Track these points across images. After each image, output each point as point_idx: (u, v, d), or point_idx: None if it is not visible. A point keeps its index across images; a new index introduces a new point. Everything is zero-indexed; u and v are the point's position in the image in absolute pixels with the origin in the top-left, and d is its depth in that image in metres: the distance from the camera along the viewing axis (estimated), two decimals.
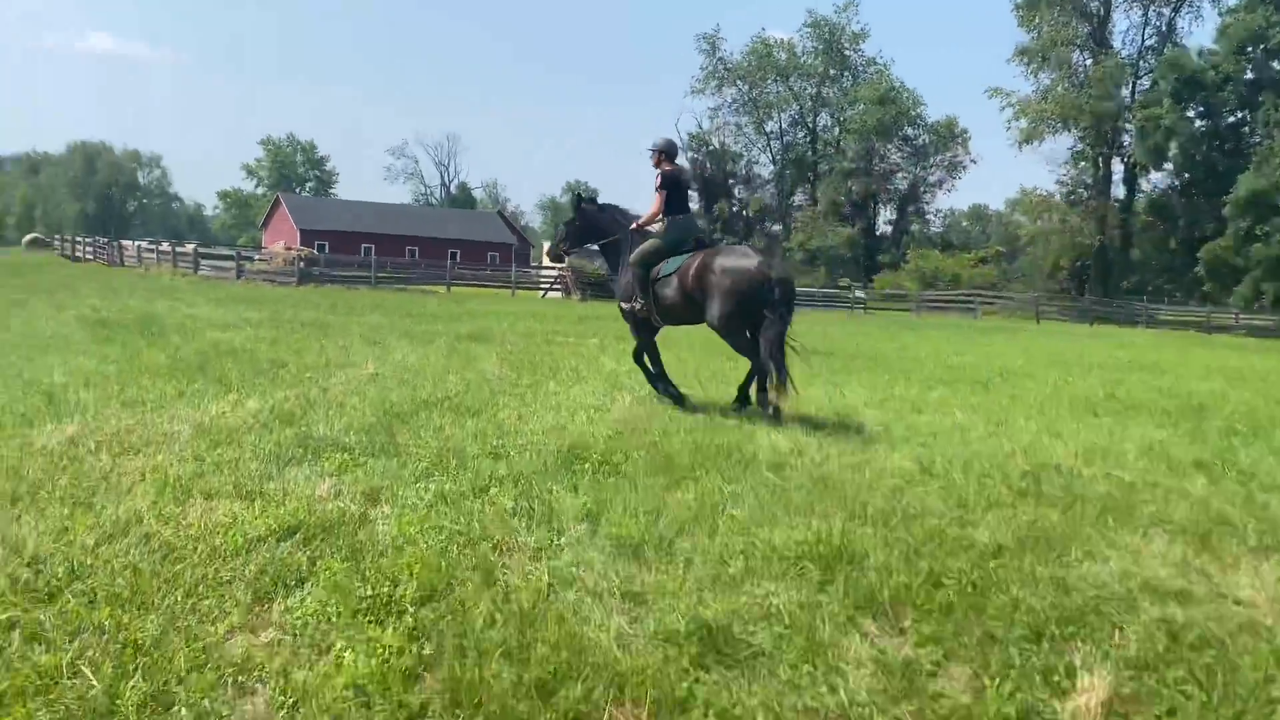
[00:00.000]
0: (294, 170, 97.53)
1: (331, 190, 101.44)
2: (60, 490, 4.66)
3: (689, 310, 8.11)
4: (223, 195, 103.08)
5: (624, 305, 8.60)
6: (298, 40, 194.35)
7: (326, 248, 56.81)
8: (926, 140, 69.55)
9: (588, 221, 9.01)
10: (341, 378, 9.09)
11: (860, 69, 72.11)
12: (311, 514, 4.45)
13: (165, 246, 41.73)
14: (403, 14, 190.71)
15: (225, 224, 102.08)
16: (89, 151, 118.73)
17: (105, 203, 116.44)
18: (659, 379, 8.63)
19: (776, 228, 71.55)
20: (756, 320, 7.67)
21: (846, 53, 71.65)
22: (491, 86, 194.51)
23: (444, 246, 68.23)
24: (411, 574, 3.77)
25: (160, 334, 12.59)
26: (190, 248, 40.91)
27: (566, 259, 11.12)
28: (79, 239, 50.68)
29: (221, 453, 5.67)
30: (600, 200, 9.28)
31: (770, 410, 7.65)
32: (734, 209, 71.17)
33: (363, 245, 64.35)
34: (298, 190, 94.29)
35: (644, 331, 8.60)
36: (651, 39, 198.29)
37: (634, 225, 8.67)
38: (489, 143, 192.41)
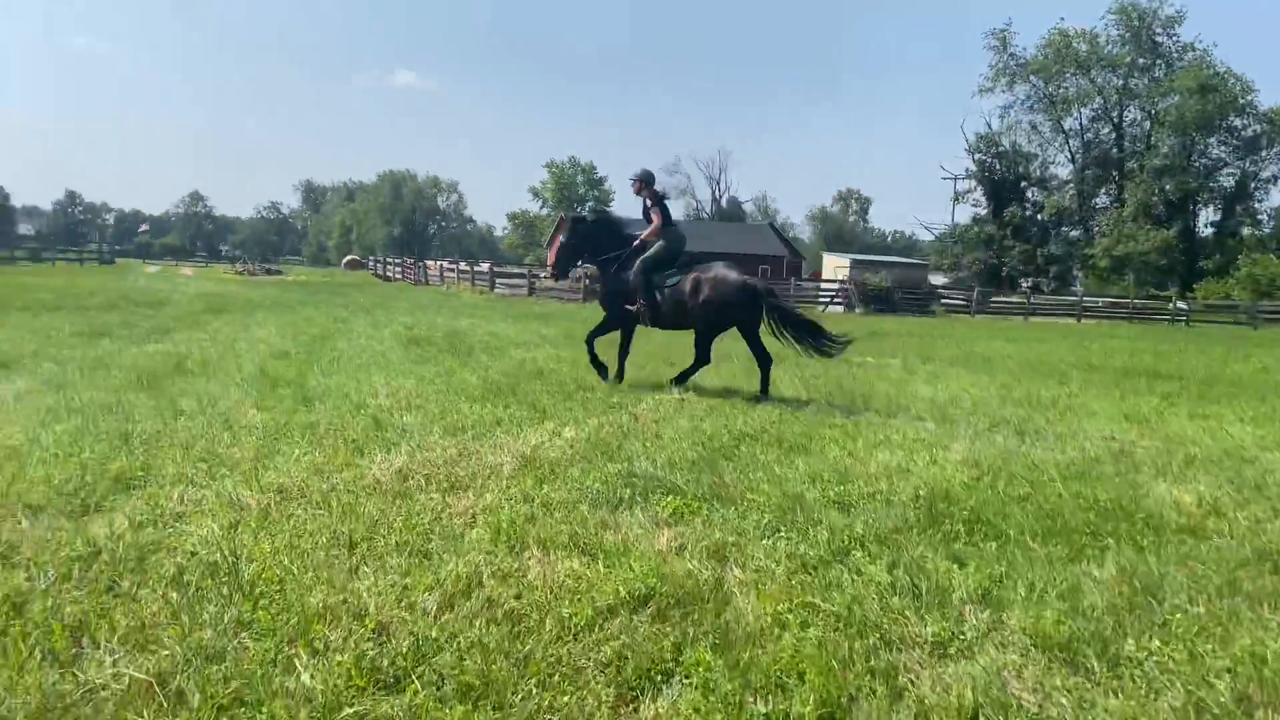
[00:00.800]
0: (575, 191, 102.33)
1: (608, 209, 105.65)
2: (396, 535, 4.38)
3: (683, 318, 9.66)
4: (511, 217, 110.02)
5: (628, 306, 9.85)
6: (579, 75, 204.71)
7: None
8: (1258, 130, 61.21)
9: (590, 236, 10.18)
10: (650, 403, 8.65)
11: (1175, 56, 64.81)
12: (661, 578, 3.85)
13: (465, 266, 44.64)
14: (664, 39, 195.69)
15: (514, 244, 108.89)
16: (396, 179, 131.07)
17: (410, 226, 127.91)
18: (624, 361, 10.10)
19: (1075, 233, 65.73)
20: (747, 324, 9.57)
21: (1158, 39, 64.69)
22: (760, 100, 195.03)
23: (716, 260, 68.48)
24: (801, 678, 3.04)
25: (468, 353, 12.90)
26: (486, 267, 43.50)
27: (574, 272, 12.17)
28: (389, 259, 55.57)
29: (549, 491, 5.27)
30: (593, 212, 10.08)
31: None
32: (1026, 213, 66.23)
33: None
34: (577, 209, 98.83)
35: (621, 328, 10.16)
36: (915, 39, 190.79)
37: (639, 239, 9.90)
38: (757, 156, 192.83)
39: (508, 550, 4.24)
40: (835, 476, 5.89)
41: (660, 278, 9.68)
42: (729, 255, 63.63)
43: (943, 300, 37.73)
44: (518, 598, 3.67)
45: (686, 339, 10.15)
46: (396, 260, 55.00)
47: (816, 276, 61.26)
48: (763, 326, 9.60)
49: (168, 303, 22.51)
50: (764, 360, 9.62)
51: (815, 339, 9.53)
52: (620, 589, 3.72)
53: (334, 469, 5.65)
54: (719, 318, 9.51)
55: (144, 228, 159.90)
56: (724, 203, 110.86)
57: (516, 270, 45.31)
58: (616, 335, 10.39)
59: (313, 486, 5.23)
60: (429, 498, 5.07)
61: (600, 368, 10.07)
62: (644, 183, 10.04)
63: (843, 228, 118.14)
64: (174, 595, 3.56)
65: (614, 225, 10.40)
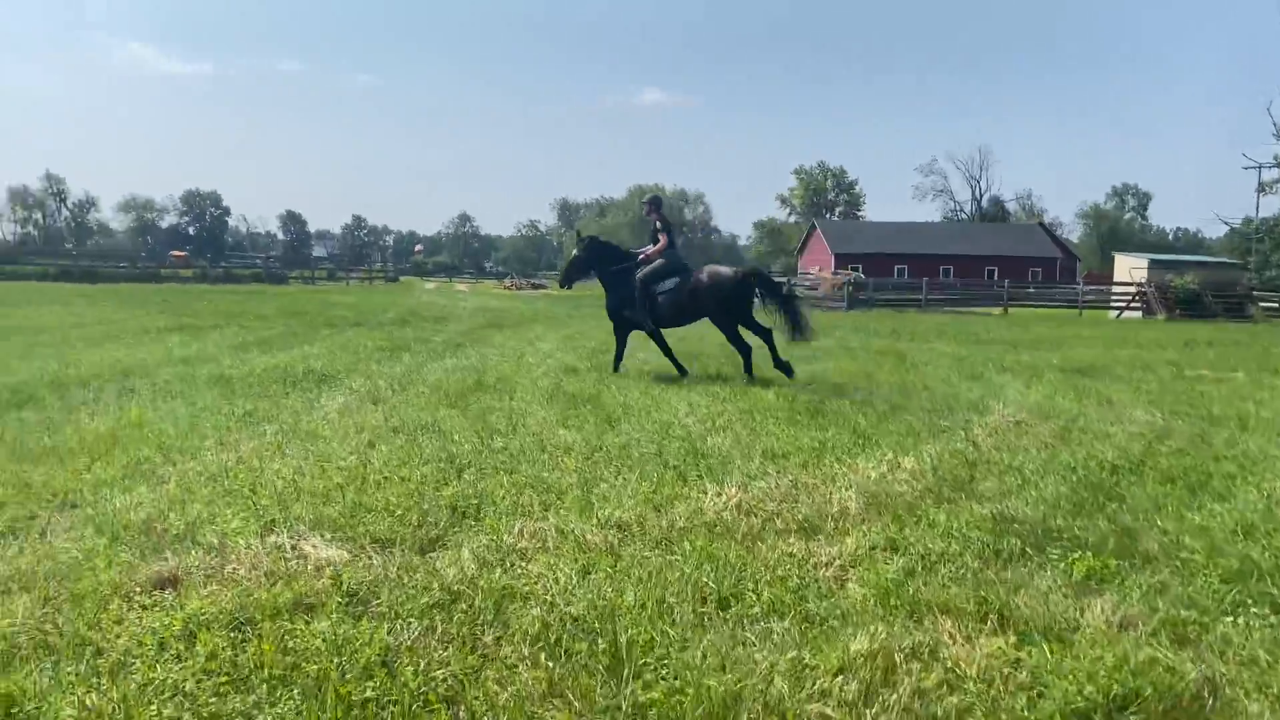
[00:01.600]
0: (824, 196, 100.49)
1: (859, 213, 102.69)
2: (765, 590, 3.78)
3: (681, 317, 11.19)
4: (758, 225, 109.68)
5: (626, 313, 11.22)
6: (822, 76, 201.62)
7: (860, 270, 56.80)
8: None
9: (595, 255, 11.56)
10: (982, 429, 7.66)
11: None
12: (1128, 672, 3.00)
13: None
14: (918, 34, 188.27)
15: (760, 252, 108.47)
16: (644, 194, 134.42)
17: (637, 235, 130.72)
18: (619, 359, 11.41)
19: None
20: (743, 313, 11.00)
21: None
22: (1022, 92, 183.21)
23: (980, 264, 64.62)
24: None
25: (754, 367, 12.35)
26: None
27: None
28: None
29: (916, 539, 4.51)
30: (596, 239, 12.11)
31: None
32: None
33: (895, 266, 63.49)
34: (828, 215, 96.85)
35: (622, 334, 11.48)
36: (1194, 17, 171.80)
37: (643, 255, 11.25)
38: (1021, 152, 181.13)
39: (906, 617, 3.53)
40: (1266, 524, 4.74)
41: (655, 288, 11.01)
42: (994, 258, 59.29)
43: (1262, 304, 33.08)
44: (947, 688, 2.95)
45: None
46: None
47: (1094, 278, 56.22)
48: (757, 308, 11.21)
49: (451, 317, 23.70)
50: (747, 346, 11.01)
51: (799, 325, 10.87)
52: (1082, 686, 2.91)
53: (665, 501, 5.19)
54: (729, 305, 10.95)
55: (419, 247, 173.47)
56: (985, 202, 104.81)
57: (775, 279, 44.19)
58: (627, 342, 11.57)
59: (650, 522, 4.77)
60: (785, 543, 4.46)
61: (679, 369, 11.10)
62: (654, 207, 11.68)
63: (1118, 225, 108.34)
64: (546, 660, 3.13)
65: (614, 248, 12.03)
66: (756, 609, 3.60)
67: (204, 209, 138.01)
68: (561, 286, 12.65)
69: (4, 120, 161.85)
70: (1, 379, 9.62)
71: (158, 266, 44.00)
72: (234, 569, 3.91)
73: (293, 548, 4.19)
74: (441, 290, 49.26)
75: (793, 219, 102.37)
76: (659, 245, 11.13)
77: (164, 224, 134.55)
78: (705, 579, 3.87)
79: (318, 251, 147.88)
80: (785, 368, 10.72)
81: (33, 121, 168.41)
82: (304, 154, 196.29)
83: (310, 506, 4.90)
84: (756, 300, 11.09)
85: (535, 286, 59.20)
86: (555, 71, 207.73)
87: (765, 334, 10.96)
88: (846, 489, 5.47)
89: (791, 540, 4.50)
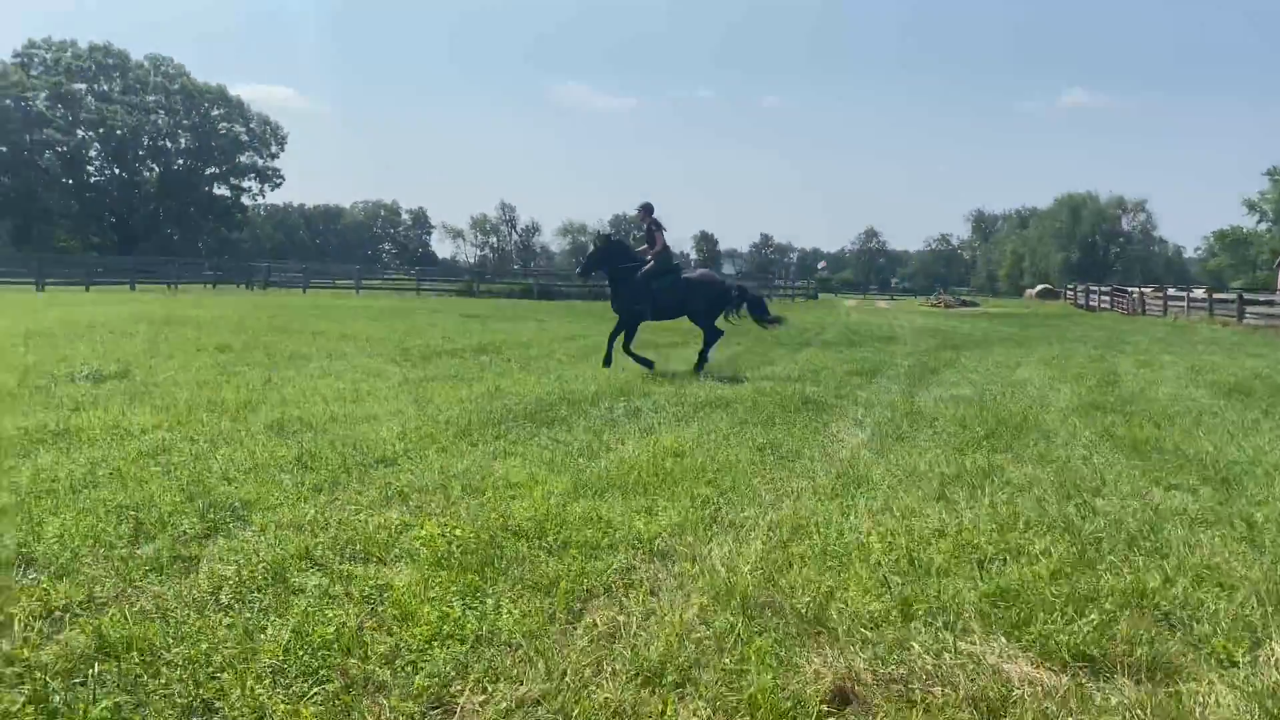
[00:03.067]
0: None
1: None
2: None
3: (677, 310, 13.02)
4: (1220, 236, 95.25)
5: (635, 307, 12.79)
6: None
7: None
8: None
9: (611, 252, 13.17)
10: None
11: None
12: None
13: (1199, 293, 38.54)
14: None
15: (1218, 266, 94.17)
16: (1075, 202, 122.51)
17: (1088, 250, 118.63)
18: (633, 354, 12.76)
19: None
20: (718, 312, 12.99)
21: None
22: None
23: None
24: None
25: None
26: (1233, 295, 36.86)
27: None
28: (1092, 287, 51.13)
29: None
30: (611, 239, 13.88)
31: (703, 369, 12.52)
32: None
33: None
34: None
35: (630, 324, 12.95)
36: None
37: (651, 255, 12.83)
38: None
39: None
40: None
41: (657, 284, 12.56)
42: None
43: None
44: None
45: None
46: (1102, 288, 50.28)
47: None
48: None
49: (895, 337, 22.42)
50: (714, 335, 12.95)
51: (766, 319, 13.52)
52: None
53: None
54: (712, 303, 12.85)
55: (822, 264, 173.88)
56: None
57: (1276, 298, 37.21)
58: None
59: None
60: None
61: (643, 361, 12.55)
62: (646, 212, 12.99)
63: None
64: None
65: (627, 247, 13.47)
66: None
67: (629, 231, 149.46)
68: (580, 276, 15.12)
69: (469, 156, 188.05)
70: (521, 391, 9.98)
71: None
72: (922, 686, 2.98)
73: (973, 658, 3.19)
74: (864, 307, 48.08)
75: (1262, 227, 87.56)
76: (658, 247, 12.80)
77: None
78: None
79: (726, 269, 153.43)
80: (701, 363, 12.80)
81: (490, 156, 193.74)
82: (716, 176, 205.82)
83: (937, 584, 3.92)
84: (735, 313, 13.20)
85: (965, 303, 55.68)
86: (965, 78, 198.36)
87: (716, 335, 13.03)
88: None
89: None
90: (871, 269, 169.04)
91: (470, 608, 3.53)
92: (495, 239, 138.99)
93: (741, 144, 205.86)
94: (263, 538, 4.45)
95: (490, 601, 3.65)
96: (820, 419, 8.78)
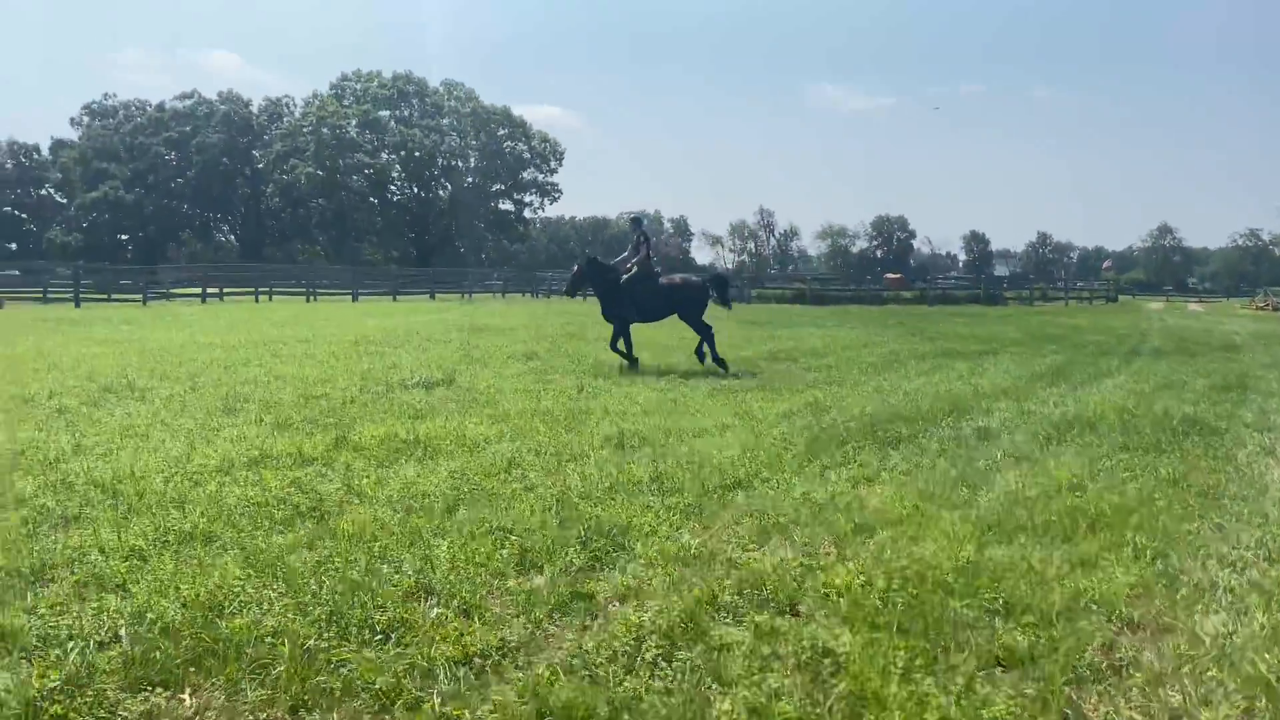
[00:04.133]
0: None
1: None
2: None
3: (659, 312, 14.00)
4: None
5: (621, 314, 13.68)
6: None
7: None
8: None
9: (593, 271, 14.04)
10: None
11: None
12: None
13: None
14: None
15: None
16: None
17: None
18: (623, 353, 13.45)
19: None
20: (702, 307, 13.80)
21: None
22: None
23: None
24: None
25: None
26: None
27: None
28: None
29: None
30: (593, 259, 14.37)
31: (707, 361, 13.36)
32: None
33: None
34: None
35: (623, 327, 13.60)
36: None
37: (631, 264, 13.96)
38: None
39: None
40: None
41: (639, 289, 13.73)
42: None
43: None
44: None
45: None
46: None
47: None
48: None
49: (1236, 346, 19.63)
50: (708, 332, 13.61)
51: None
52: None
53: None
54: (691, 304, 13.83)
55: (1107, 264, 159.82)
56: None
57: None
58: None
59: None
60: None
61: (629, 358, 13.36)
62: (636, 225, 14.94)
63: None
64: None
65: (604, 264, 14.28)
66: None
67: (891, 233, 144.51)
68: (567, 295, 15.71)
69: (728, 163, 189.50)
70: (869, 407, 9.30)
71: (879, 289, 46.09)
72: None
73: None
74: (1173, 310, 43.22)
75: None
76: (641, 255, 13.87)
77: (855, 249, 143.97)
78: None
79: (999, 270, 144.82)
80: (702, 357, 13.60)
81: (748, 163, 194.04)
82: (985, 174, 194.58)
83: None
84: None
85: None
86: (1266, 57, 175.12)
87: (707, 333, 13.55)
88: None
89: None
90: (1165, 268, 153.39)
91: (949, 693, 2.88)
92: (754, 244, 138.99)
93: (1010, 138, 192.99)
94: (654, 573, 4.05)
95: (959, 681, 2.98)
96: (1219, 445, 7.44)
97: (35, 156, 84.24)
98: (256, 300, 37.81)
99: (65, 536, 4.50)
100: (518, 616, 3.56)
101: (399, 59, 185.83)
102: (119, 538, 4.38)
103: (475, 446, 7.01)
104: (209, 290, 37.89)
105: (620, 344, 13.57)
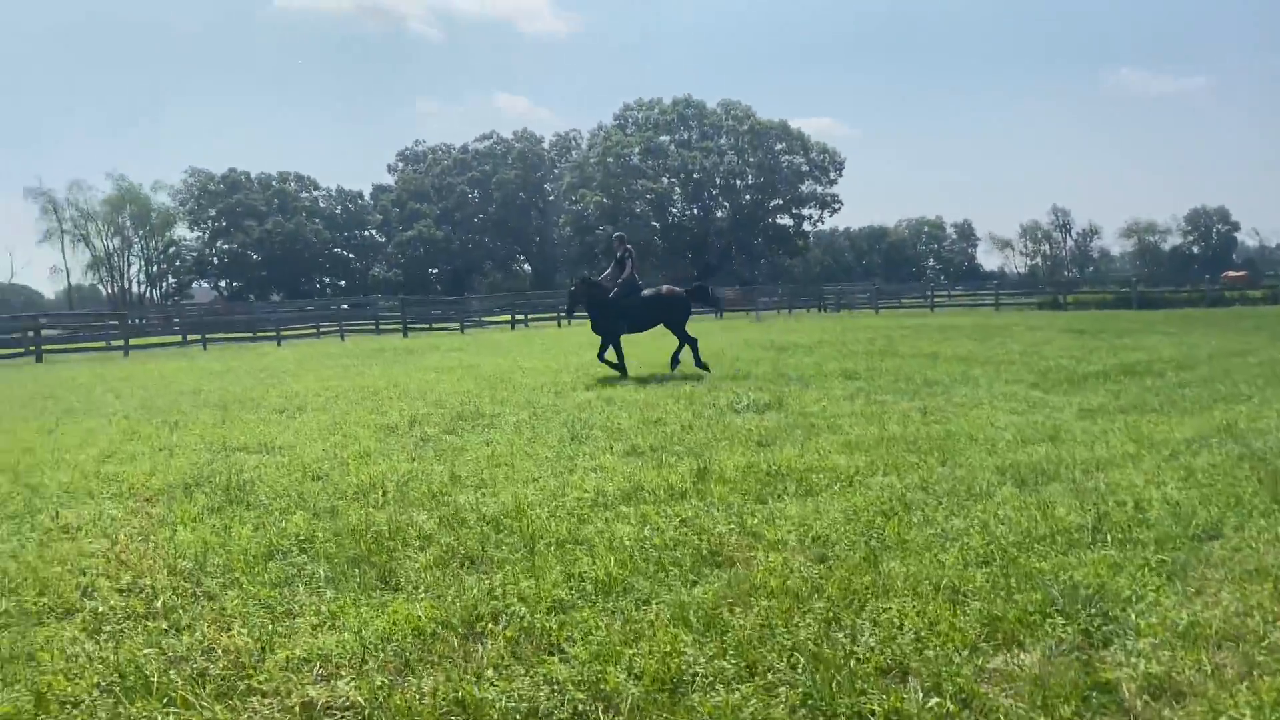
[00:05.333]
0: None
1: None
2: None
3: (645, 323, 15.03)
4: None
5: (611, 327, 14.62)
6: None
7: None
8: None
9: (586, 289, 14.97)
10: None
11: None
12: None
13: None
14: None
15: None
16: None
17: None
18: (613, 363, 14.55)
19: None
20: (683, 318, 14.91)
21: None
22: None
23: None
24: None
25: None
26: None
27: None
28: None
29: None
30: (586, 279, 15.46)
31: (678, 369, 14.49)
32: None
33: None
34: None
35: (610, 339, 14.65)
36: None
37: (619, 281, 14.84)
38: None
39: None
40: None
41: (625, 303, 14.65)
42: None
43: None
44: None
45: None
46: None
47: None
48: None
49: None
50: (692, 341, 14.70)
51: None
52: None
53: None
54: (675, 312, 14.93)
55: None
56: None
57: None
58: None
59: None
60: None
61: (619, 368, 14.40)
62: (621, 241, 15.65)
63: None
64: None
65: (598, 284, 15.03)
66: None
67: (1209, 226, 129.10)
68: (567, 315, 18.83)
69: (1015, 163, 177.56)
70: None
71: (1218, 289, 40.74)
72: None
73: None
74: None
75: None
76: (628, 271, 14.89)
77: (1166, 245, 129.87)
78: None
79: None
80: (676, 362, 14.76)
81: (1038, 160, 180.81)
82: None
83: None
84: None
85: None
86: None
87: (691, 341, 14.71)
88: None
89: None
90: None
91: None
92: (1048, 246, 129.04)
93: None
94: (1175, 655, 3.20)
95: None
96: None
97: (359, 201, 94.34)
98: (558, 325, 39.61)
99: (478, 580, 4.35)
100: (1034, 712, 2.86)
101: (678, 84, 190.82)
102: (536, 585, 4.15)
103: (848, 480, 6.39)
104: (516, 317, 40.29)
105: (609, 354, 14.74)
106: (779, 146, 76.30)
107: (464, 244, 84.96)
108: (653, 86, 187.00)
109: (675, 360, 14.70)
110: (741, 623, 3.61)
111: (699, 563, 4.46)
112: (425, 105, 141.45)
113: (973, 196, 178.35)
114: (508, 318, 40.60)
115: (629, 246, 15.67)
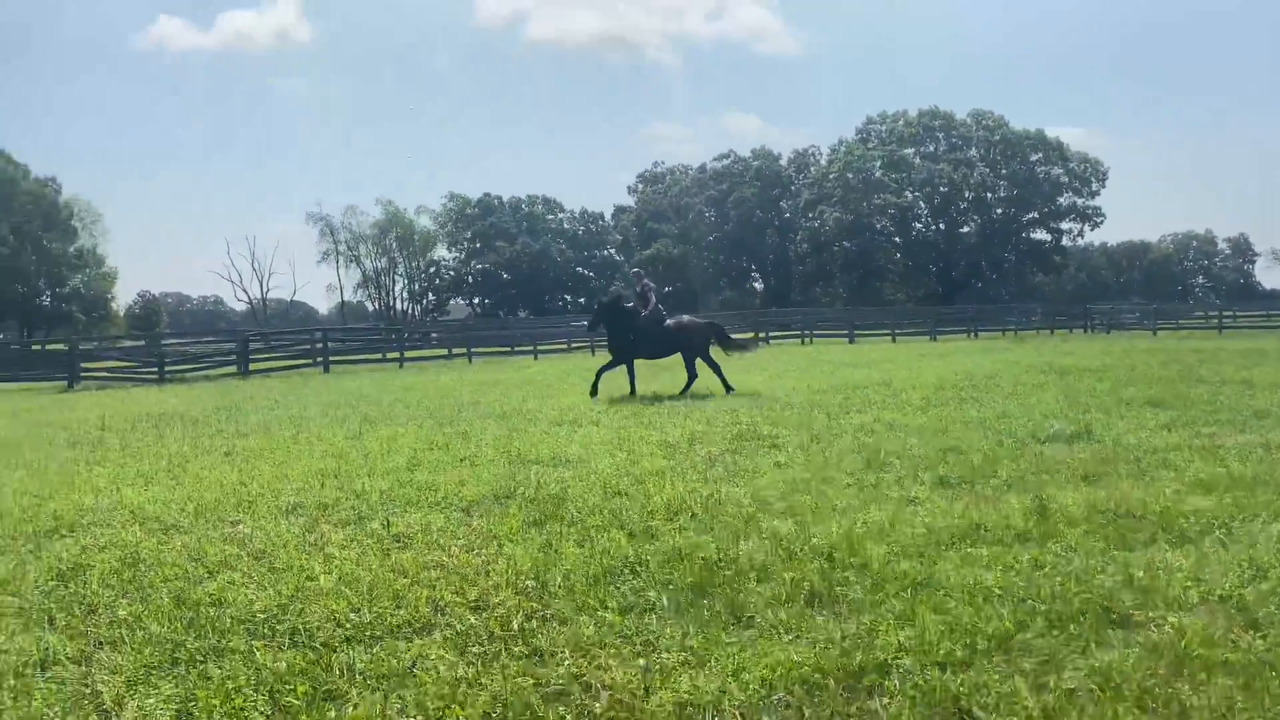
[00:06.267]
0: None
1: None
2: None
3: (665, 352, 15.99)
4: None
5: (631, 351, 15.82)
6: None
7: None
8: None
9: (611, 308, 16.20)
10: None
11: None
12: None
13: None
14: None
15: None
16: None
17: None
18: (595, 382, 15.45)
19: None
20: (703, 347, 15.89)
21: None
22: None
23: None
24: None
25: None
26: None
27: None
28: None
29: None
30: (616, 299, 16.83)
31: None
32: None
33: None
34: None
35: (622, 361, 15.88)
36: None
37: (645, 312, 15.97)
38: None
39: None
40: None
41: (651, 331, 15.70)
42: None
43: None
44: None
45: None
46: None
47: None
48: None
49: None
50: (694, 375, 15.55)
51: (742, 349, 17.65)
52: None
53: None
54: (693, 344, 15.80)
55: None
56: None
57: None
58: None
59: None
60: None
61: (595, 391, 15.17)
62: (639, 278, 17.16)
63: None
64: None
65: (624, 306, 16.22)
66: None
67: None
68: (589, 330, 21.08)
69: None
70: None
71: None
72: None
73: None
74: None
75: None
76: (651, 304, 16.03)
77: None
78: None
79: None
80: (728, 386, 15.28)
81: None
82: None
83: None
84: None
85: None
86: None
87: (715, 366, 15.74)
88: None
89: None
90: None
91: None
92: None
93: None
94: None
95: None
96: None
97: (600, 222, 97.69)
98: (801, 343, 38.93)
99: (837, 622, 4.00)
100: None
101: (917, 98, 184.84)
102: (919, 635, 3.73)
103: (1224, 526, 5.53)
104: (759, 335, 40.03)
105: (612, 370, 15.83)
106: (1035, 157, 71.65)
107: (700, 262, 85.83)
108: (891, 100, 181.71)
109: (687, 390, 15.47)
110: (1194, 701, 3.02)
111: (1098, 622, 3.87)
112: (661, 129, 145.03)
113: (1248, 208, 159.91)
114: (751, 334, 40.42)
115: (648, 282, 17.22)
